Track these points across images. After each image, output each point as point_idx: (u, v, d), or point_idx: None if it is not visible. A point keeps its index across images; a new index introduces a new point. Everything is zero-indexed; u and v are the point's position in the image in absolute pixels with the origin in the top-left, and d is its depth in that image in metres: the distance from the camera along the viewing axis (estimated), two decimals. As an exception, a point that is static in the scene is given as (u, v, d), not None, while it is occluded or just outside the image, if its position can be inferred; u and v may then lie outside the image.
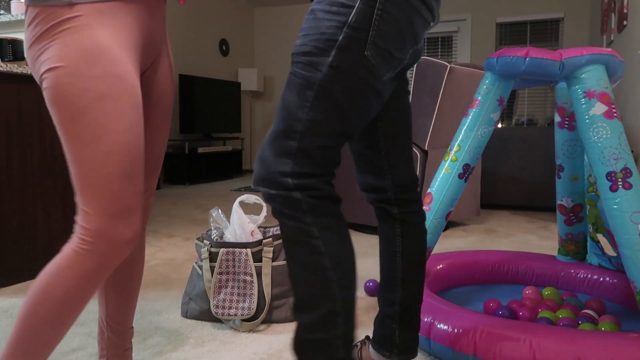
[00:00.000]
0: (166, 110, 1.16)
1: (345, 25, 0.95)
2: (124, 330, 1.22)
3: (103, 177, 0.95)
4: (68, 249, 0.96)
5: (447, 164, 1.68)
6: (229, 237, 1.78)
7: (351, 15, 0.95)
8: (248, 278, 1.67)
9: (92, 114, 0.94)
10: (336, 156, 1.01)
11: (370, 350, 1.26)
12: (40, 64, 0.95)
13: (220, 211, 1.83)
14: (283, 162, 0.97)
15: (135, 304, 1.23)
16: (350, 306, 0.99)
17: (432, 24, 1.09)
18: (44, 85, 0.95)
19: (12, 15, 3.04)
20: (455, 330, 1.33)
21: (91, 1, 0.95)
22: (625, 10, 3.93)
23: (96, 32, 0.96)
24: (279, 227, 1.87)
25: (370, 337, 1.30)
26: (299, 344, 1.00)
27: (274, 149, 0.98)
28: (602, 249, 1.87)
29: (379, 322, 1.24)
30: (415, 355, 1.21)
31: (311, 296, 0.97)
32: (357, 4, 0.96)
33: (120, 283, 1.20)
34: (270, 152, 0.99)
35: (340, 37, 0.95)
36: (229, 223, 1.80)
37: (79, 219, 0.96)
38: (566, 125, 1.88)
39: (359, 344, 1.33)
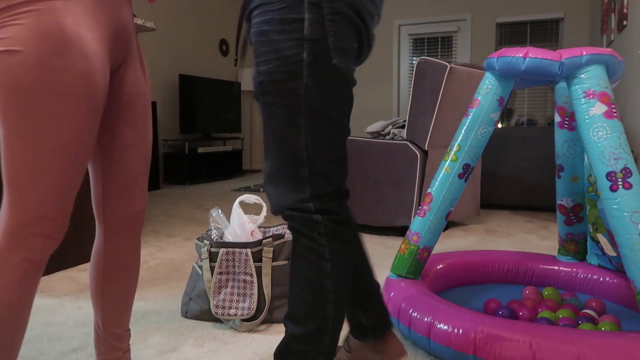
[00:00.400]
0: (144, 111, 1.11)
1: (303, 41, 0.95)
2: (121, 334, 1.20)
3: (39, 176, 0.89)
4: None
5: (447, 164, 1.68)
6: (229, 237, 1.78)
7: (305, 29, 0.95)
8: (248, 278, 1.67)
9: (44, 109, 0.87)
10: (345, 162, 1.04)
11: (351, 343, 1.30)
12: None
13: (220, 211, 1.83)
14: (300, 191, 0.99)
15: (131, 307, 1.22)
16: (339, 326, 1.04)
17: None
18: None
19: None
20: (455, 330, 1.33)
21: None
22: (625, 10, 3.93)
23: (65, 19, 0.87)
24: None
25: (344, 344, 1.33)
26: (283, 352, 1.05)
27: (286, 183, 1.00)
28: (602, 249, 1.87)
29: (350, 313, 1.27)
30: (388, 328, 1.24)
31: (307, 311, 1.02)
32: (306, 16, 0.95)
33: (116, 288, 1.17)
34: (284, 186, 1.00)
35: (305, 55, 0.95)
36: (229, 223, 1.80)
37: (3, 215, 0.91)
38: (566, 125, 1.88)
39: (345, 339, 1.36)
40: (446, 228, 3.35)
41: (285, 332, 1.05)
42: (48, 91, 0.86)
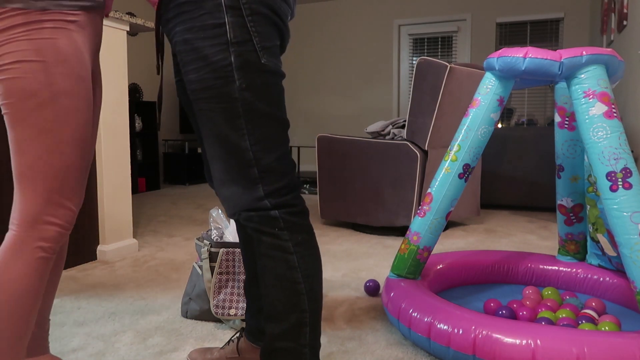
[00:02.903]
0: (97, 116, 1.22)
1: (228, 44, 0.96)
2: (43, 322, 1.26)
3: (50, 169, 1.01)
4: (8, 239, 1.01)
5: (447, 164, 1.68)
6: (229, 237, 1.78)
7: (228, 33, 0.96)
8: (248, 278, 1.68)
9: (53, 108, 1.00)
10: (290, 154, 1.06)
11: (243, 345, 1.33)
12: (5, 54, 0.98)
13: (220, 211, 1.83)
14: (253, 190, 1.01)
15: (54, 294, 1.27)
16: (317, 316, 1.05)
17: None
18: (8, 75, 0.98)
19: None
20: (455, 330, 1.33)
21: (64, 11, 1.02)
22: (625, 10, 3.93)
23: (71, 34, 1.04)
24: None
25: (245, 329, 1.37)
26: (268, 352, 1.06)
27: (238, 184, 1.01)
28: (602, 249, 1.87)
29: (250, 316, 1.31)
30: None
31: (283, 307, 1.03)
32: (227, 19, 0.96)
33: (57, 273, 1.25)
34: (236, 188, 1.02)
35: (232, 59, 0.97)
36: (229, 223, 1.80)
37: (17, 208, 1.01)
38: (566, 125, 1.88)
39: (236, 337, 1.39)
40: (446, 228, 3.35)
41: (266, 333, 1.06)
42: (56, 91, 1.01)
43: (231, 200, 1.03)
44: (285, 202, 1.03)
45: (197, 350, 1.39)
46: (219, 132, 1.00)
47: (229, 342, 1.37)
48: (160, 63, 1.17)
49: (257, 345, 1.32)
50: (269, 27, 1.01)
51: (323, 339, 1.59)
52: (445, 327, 1.36)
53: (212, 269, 1.69)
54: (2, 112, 1.02)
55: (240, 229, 1.29)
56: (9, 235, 1.02)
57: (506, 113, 6.51)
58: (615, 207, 1.42)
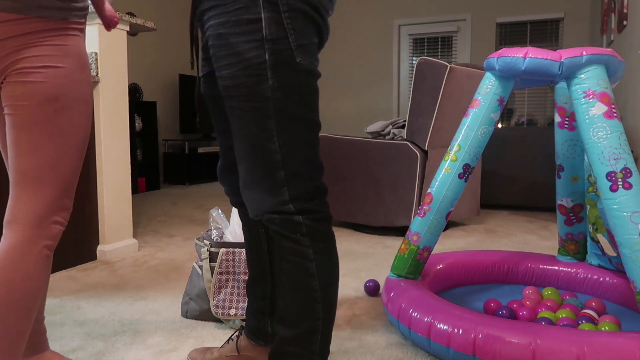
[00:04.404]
0: None
1: (263, 41, 0.92)
2: (40, 318, 1.27)
3: (60, 170, 1.05)
4: (15, 238, 1.02)
5: (447, 164, 1.68)
6: (229, 237, 1.78)
7: (263, 29, 0.93)
8: (248, 278, 1.67)
9: (71, 112, 1.05)
10: (319, 158, 1.03)
11: (243, 343, 1.33)
12: (27, 57, 1.01)
13: (220, 211, 1.83)
14: (278, 193, 0.98)
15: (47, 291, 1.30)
16: (329, 324, 1.05)
17: None
18: (32, 78, 1.01)
19: None
20: (455, 330, 1.33)
21: (77, 20, 1.08)
22: (625, 10, 3.93)
23: (83, 43, 1.10)
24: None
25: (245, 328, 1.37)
26: (277, 355, 1.05)
27: (262, 187, 0.99)
28: (602, 249, 1.87)
29: (251, 315, 1.31)
30: None
31: (296, 313, 1.02)
32: (263, 14, 0.92)
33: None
34: (260, 191, 0.99)
35: (267, 57, 0.93)
36: (229, 223, 1.80)
37: (24, 209, 1.03)
38: (566, 125, 1.88)
39: (235, 335, 1.38)
40: (446, 228, 3.35)
41: (277, 335, 1.05)
42: (76, 97, 1.06)
43: (255, 201, 1.01)
44: (310, 207, 1.00)
45: (197, 350, 1.39)
46: (248, 132, 0.97)
47: (228, 340, 1.37)
48: (195, 58, 1.14)
49: (257, 344, 1.32)
50: (306, 23, 0.97)
51: (323, 339, 1.59)
52: (445, 327, 1.36)
53: (212, 269, 1.69)
54: (11, 112, 1.01)
55: (247, 227, 1.27)
56: (13, 235, 1.02)
57: (506, 113, 6.51)
58: (615, 207, 1.42)
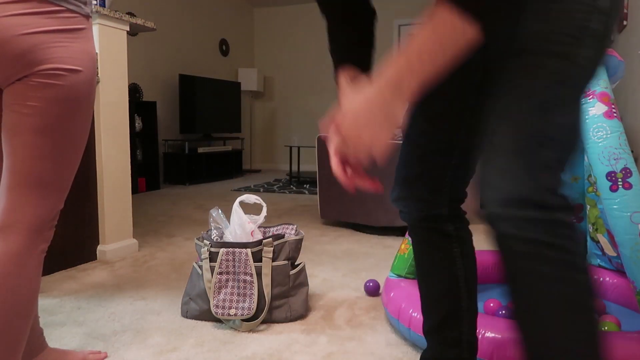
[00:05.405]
0: None
1: (594, 8, 0.79)
2: (36, 317, 1.28)
3: (66, 173, 1.05)
4: (17, 242, 1.01)
5: (447, 164, 1.68)
6: (229, 237, 1.78)
7: None
8: (248, 278, 1.67)
9: (84, 115, 1.05)
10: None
11: None
12: (54, 57, 0.98)
13: (220, 211, 1.83)
14: (542, 178, 0.75)
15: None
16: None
17: None
18: (54, 80, 0.98)
19: None
20: (455, 330, 1.33)
21: (89, 19, 1.08)
22: (625, 10, 3.93)
23: (94, 44, 1.09)
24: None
25: None
26: None
27: (525, 161, 0.76)
28: (602, 249, 1.87)
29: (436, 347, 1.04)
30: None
31: (585, 345, 0.75)
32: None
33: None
34: (521, 165, 0.76)
35: (592, 24, 0.78)
36: (229, 223, 1.80)
37: (25, 212, 1.02)
38: (566, 125, 1.88)
39: None
40: (446, 228, 3.35)
41: None
42: (89, 101, 1.05)
43: (510, 181, 0.76)
44: (569, 206, 0.77)
45: None
46: (534, 90, 0.78)
47: None
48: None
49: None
50: (621, 7, 0.84)
51: (323, 339, 1.59)
52: (445, 327, 1.35)
53: (212, 269, 1.69)
54: (28, 112, 0.96)
55: (434, 248, 1.04)
56: (14, 240, 0.99)
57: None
58: (615, 207, 1.42)
